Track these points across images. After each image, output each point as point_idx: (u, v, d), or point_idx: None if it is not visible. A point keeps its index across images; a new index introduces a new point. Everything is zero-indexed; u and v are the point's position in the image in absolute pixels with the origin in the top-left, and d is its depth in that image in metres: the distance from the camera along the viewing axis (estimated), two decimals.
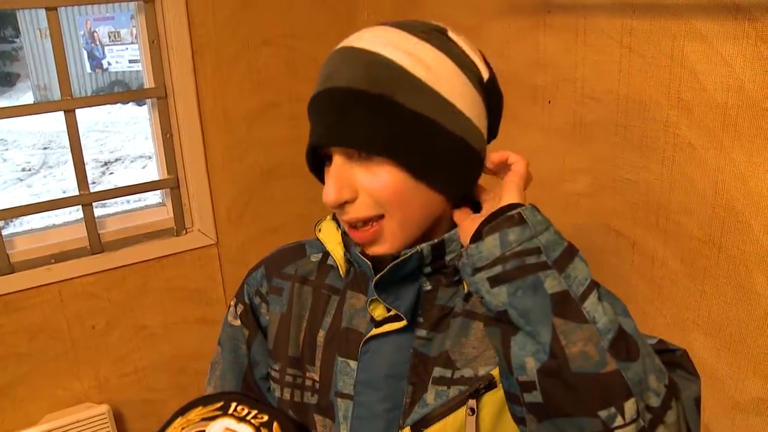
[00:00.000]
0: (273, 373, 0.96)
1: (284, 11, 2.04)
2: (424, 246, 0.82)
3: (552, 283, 0.71)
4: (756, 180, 1.14)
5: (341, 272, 0.91)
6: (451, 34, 0.83)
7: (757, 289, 1.18)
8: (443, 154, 0.79)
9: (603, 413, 0.67)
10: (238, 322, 1.00)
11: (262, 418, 0.61)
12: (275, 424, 0.60)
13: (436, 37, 0.81)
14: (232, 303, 1.02)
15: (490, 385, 0.81)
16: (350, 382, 0.88)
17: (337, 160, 0.79)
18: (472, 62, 0.82)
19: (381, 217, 0.81)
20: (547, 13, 1.48)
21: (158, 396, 2.11)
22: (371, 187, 0.79)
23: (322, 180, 0.85)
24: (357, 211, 0.80)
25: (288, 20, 2.05)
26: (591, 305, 0.71)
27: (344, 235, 0.91)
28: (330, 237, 0.92)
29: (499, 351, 0.75)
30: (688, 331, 1.32)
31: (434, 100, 0.78)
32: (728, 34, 1.12)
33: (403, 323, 0.84)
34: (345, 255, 0.91)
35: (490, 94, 0.85)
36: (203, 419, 0.61)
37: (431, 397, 0.83)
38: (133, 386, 2.06)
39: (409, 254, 0.82)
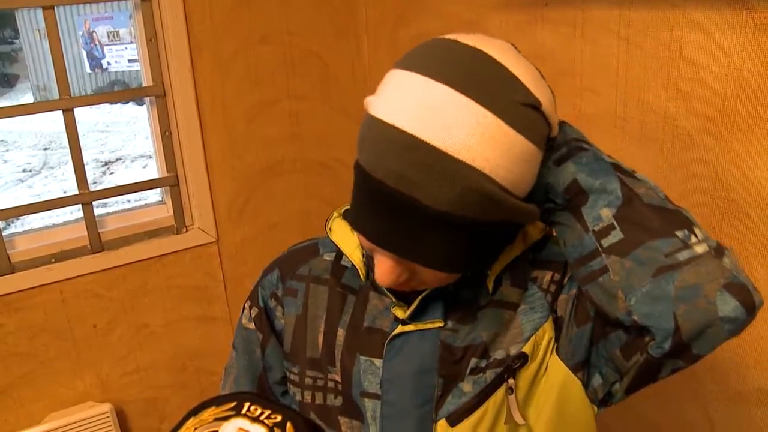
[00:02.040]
0: (292, 377, 0.95)
1: (282, 8, 2.03)
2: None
3: (606, 156, 0.78)
4: (755, 170, 1.14)
5: (361, 276, 0.90)
6: (544, 109, 0.73)
7: (758, 279, 1.17)
8: (495, 242, 0.81)
9: (679, 233, 0.71)
10: (252, 326, 0.99)
11: (275, 418, 0.61)
12: (288, 424, 0.60)
13: (528, 118, 0.71)
14: (246, 306, 1.01)
15: (524, 361, 0.84)
16: (376, 381, 0.88)
17: (387, 261, 0.77)
18: (540, 114, 0.73)
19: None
20: (545, 6, 1.48)
21: (160, 394, 2.11)
22: (424, 276, 0.78)
23: None
24: (405, 286, 0.81)
25: (286, 17, 2.05)
26: (639, 174, 0.79)
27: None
28: (345, 240, 0.91)
29: (574, 228, 0.76)
30: None
31: (511, 208, 0.72)
32: (726, 24, 1.12)
33: (439, 323, 0.86)
34: (363, 259, 0.90)
35: (547, 116, 0.75)
36: (216, 419, 0.61)
37: (468, 387, 0.84)
38: (135, 385, 2.06)
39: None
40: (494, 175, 0.68)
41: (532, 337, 0.84)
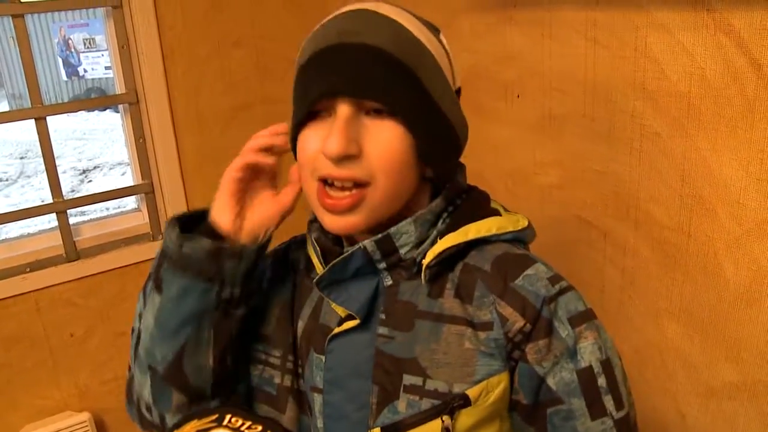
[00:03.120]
0: (272, 360, 0.93)
1: (254, 13, 2.03)
2: (367, 243, 0.81)
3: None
4: (720, 167, 1.15)
5: (318, 270, 0.89)
6: (442, 37, 0.87)
7: (726, 274, 1.19)
8: (443, 135, 0.83)
9: None
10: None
11: (256, 428, 0.63)
12: None
13: (435, 32, 0.85)
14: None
15: (465, 403, 0.79)
16: (321, 378, 0.87)
17: (346, 111, 0.77)
18: (453, 69, 0.87)
19: (366, 185, 0.78)
20: (513, 7, 1.49)
21: None
22: (376, 149, 0.77)
23: (293, 151, 0.86)
24: (350, 169, 0.77)
25: (258, 22, 2.05)
26: None
27: (309, 223, 0.91)
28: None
29: None
30: (662, 319, 1.34)
31: (443, 83, 0.82)
32: (688, 24, 1.14)
33: (355, 322, 0.83)
34: (311, 244, 0.90)
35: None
36: (198, 431, 0.62)
37: (402, 406, 0.81)
38: (114, 393, 2.05)
39: (351, 251, 0.82)
40: (420, 37, 0.80)
41: (484, 382, 0.79)
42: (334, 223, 0.81)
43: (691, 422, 1.33)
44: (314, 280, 0.84)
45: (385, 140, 0.77)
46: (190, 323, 0.83)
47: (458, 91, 0.89)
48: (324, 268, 0.84)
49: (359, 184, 0.78)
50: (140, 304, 0.89)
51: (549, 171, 1.52)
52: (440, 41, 0.85)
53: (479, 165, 0.94)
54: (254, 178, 0.90)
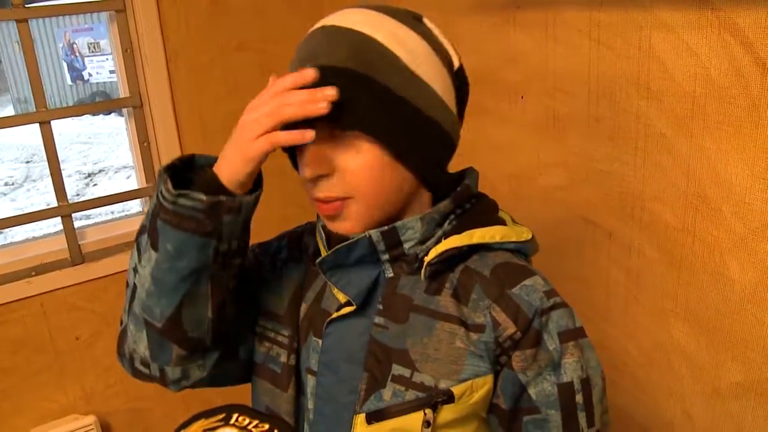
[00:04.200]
0: (281, 339, 0.95)
1: (257, 16, 2.04)
2: (373, 232, 0.83)
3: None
4: (725, 167, 1.15)
5: (322, 253, 0.91)
6: (426, 21, 0.86)
7: (731, 274, 1.19)
8: (419, 135, 0.82)
9: None
10: (251, 254, 1.01)
11: (263, 426, 0.63)
12: None
13: (413, 22, 0.84)
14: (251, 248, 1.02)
15: (449, 399, 0.81)
16: (316, 360, 0.90)
17: (313, 143, 0.79)
18: (445, 49, 0.86)
19: (347, 198, 0.82)
20: (516, 8, 1.49)
21: (145, 405, 2.10)
22: (348, 164, 0.80)
23: (296, 165, 0.87)
24: (329, 189, 0.81)
25: (261, 25, 2.05)
26: None
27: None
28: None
29: None
30: (667, 320, 1.33)
31: (414, 82, 0.80)
32: (692, 23, 1.14)
33: (352, 308, 0.86)
34: (318, 233, 0.93)
35: (460, 81, 0.88)
36: (205, 430, 0.63)
37: (388, 395, 0.83)
38: (120, 396, 2.05)
39: (356, 239, 0.84)
40: (384, 41, 0.79)
41: (470, 382, 0.82)
42: (331, 226, 0.86)
43: (697, 422, 1.32)
44: (317, 261, 0.86)
45: (354, 154, 0.80)
46: (189, 279, 0.81)
47: (458, 71, 0.87)
48: (328, 252, 0.87)
49: (339, 198, 0.82)
50: (134, 257, 0.86)
51: (553, 172, 1.51)
52: (421, 30, 0.84)
53: (483, 166, 0.94)
54: None
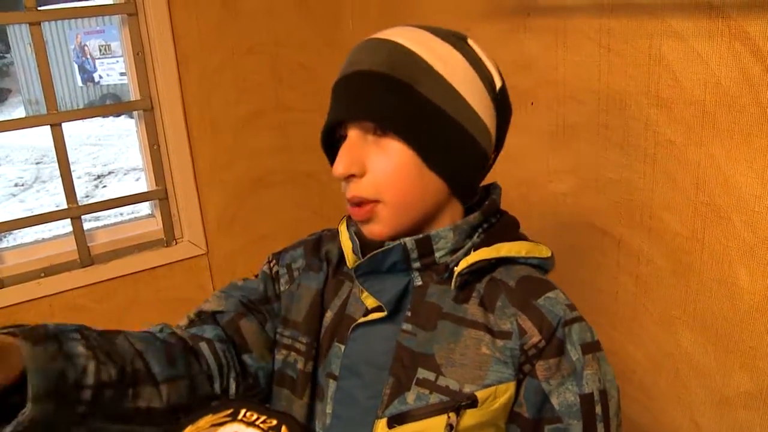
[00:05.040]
0: (299, 345, 0.96)
1: (268, 19, 2.04)
2: (408, 240, 0.86)
3: None
4: (735, 175, 1.15)
5: (348, 263, 0.94)
6: (470, 42, 0.88)
7: (741, 283, 1.19)
8: (452, 143, 0.84)
9: None
10: (268, 271, 1.03)
11: (271, 422, 0.63)
12: (284, 428, 0.62)
13: (456, 40, 0.86)
14: (270, 261, 1.05)
15: (473, 404, 0.82)
16: (338, 365, 0.91)
17: (352, 135, 0.84)
18: (487, 69, 0.88)
19: (377, 201, 0.84)
20: (527, 15, 1.49)
21: None
22: (379, 166, 0.83)
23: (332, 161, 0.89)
24: (359, 189, 0.84)
25: (272, 28, 2.06)
26: None
27: (348, 218, 0.96)
28: (344, 230, 0.96)
29: None
30: (676, 328, 1.33)
31: (448, 92, 0.83)
32: (703, 32, 1.14)
33: (383, 314, 0.87)
34: (353, 248, 0.94)
35: (501, 103, 0.90)
36: (213, 425, 0.63)
37: (411, 397, 0.84)
38: None
39: (391, 246, 0.86)
40: (421, 53, 0.83)
41: (493, 387, 0.82)
42: (364, 229, 0.89)
43: (705, 431, 1.32)
44: (353, 266, 0.89)
45: (386, 156, 0.83)
46: None
47: (499, 92, 0.90)
48: (360, 259, 0.89)
49: (369, 200, 0.85)
50: None
51: (563, 178, 1.51)
52: (463, 49, 0.86)
53: (492, 173, 0.94)
54: None
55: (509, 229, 0.93)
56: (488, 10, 1.59)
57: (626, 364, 1.44)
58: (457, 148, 0.85)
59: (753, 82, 1.08)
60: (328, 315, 0.96)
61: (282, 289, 1.01)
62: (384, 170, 0.83)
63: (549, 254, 0.92)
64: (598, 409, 0.83)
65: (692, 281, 1.27)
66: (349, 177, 0.84)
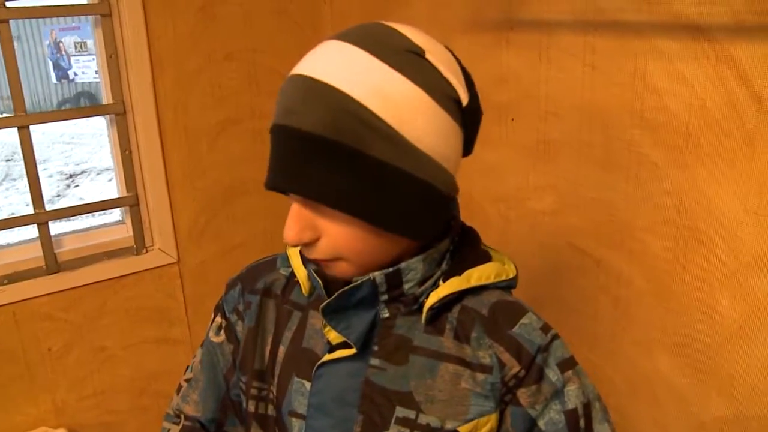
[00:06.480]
0: (241, 385, 0.96)
1: (246, 25, 2.00)
2: (377, 274, 0.80)
3: None
4: (718, 200, 1.13)
5: (304, 291, 0.90)
6: (429, 56, 0.76)
7: (721, 308, 1.17)
8: (406, 200, 0.76)
9: None
10: (222, 338, 0.99)
11: None
12: None
13: (411, 62, 0.74)
14: (216, 318, 1.01)
15: None
16: (304, 403, 0.87)
17: (296, 203, 0.78)
18: (452, 88, 0.77)
19: (339, 259, 0.80)
20: (510, 30, 1.47)
21: (118, 418, 2.05)
22: (331, 234, 0.77)
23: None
24: (317, 252, 0.79)
25: (250, 34, 2.02)
26: None
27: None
28: (295, 254, 0.91)
29: None
30: (654, 351, 1.31)
31: (402, 147, 0.73)
32: (689, 53, 1.12)
33: (352, 351, 0.83)
34: (308, 274, 0.89)
35: (470, 116, 0.81)
36: None
37: None
38: (92, 409, 2.00)
39: (360, 282, 0.81)
40: (367, 103, 0.71)
41: (474, 422, 0.81)
42: (327, 270, 0.83)
43: None
44: (321, 307, 0.82)
45: (336, 226, 0.77)
46: None
47: (466, 108, 0.79)
48: (325, 296, 0.84)
49: (330, 260, 0.80)
50: None
51: (542, 196, 1.49)
52: (419, 74, 0.74)
53: (471, 188, 0.91)
54: None
55: (474, 249, 0.88)
56: (470, 22, 1.57)
57: (603, 386, 1.42)
58: (415, 204, 0.77)
59: (738, 106, 1.07)
60: (281, 350, 0.91)
61: (239, 336, 0.98)
62: (338, 236, 0.77)
63: (515, 272, 0.89)
64: (582, 422, 0.83)
65: (672, 304, 1.26)
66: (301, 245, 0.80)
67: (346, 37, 0.76)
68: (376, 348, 0.84)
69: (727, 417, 1.20)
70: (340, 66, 0.73)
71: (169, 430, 1.01)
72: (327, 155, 0.72)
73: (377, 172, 0.73)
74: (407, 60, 0.74)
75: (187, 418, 1.01)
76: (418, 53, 0.75)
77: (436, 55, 0.77)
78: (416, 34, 0.77)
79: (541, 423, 0.82)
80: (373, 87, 0.72)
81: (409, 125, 0.73)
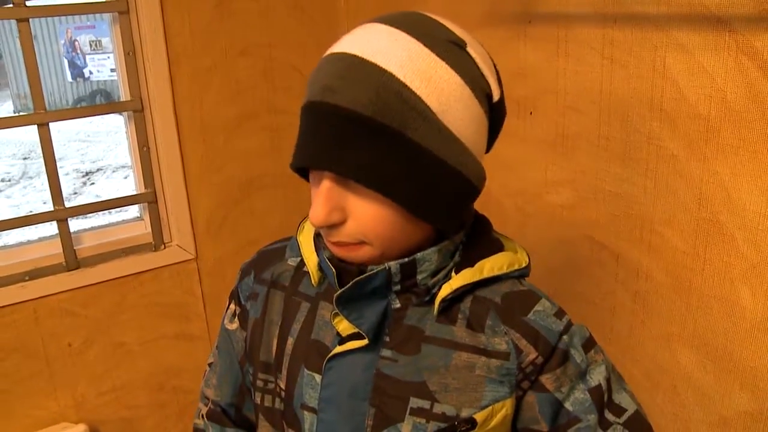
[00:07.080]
0: (249, 376, 0.97)
1: (262, 21, 2.01)
2: (393, 264, 0.80)
3: None
4: (739, 192, 1.12)
5: (313, 281, 0.88)
6: (470, 49, 0.77)
7: (742, 302, 1.16)
8: (441, 188, 0.76)
9: None
10: (235, 325, 0.99)
11: None
12: None
13: (454, 52, 0.75)
14: (231, 305, 1.01)
15: (472, 427, 0.81)
16: (315, 396, 0.86)
17: (327, 183, 0.75)
18: (486, 82, 0.78)
19: (362, 243, 0.78)
20: (528, 23, 1.46)
21: (136, 414, 2.07)
22: (360, 216, 0.76)
23: (306, 177, 0.82)
24: (341, 235, 0.78)
25: (266, 30, 2.02)
26: None
27: (316, 237, 0.88)
28: (307, 243, 0.90)
29: None
30: (674, 345, 1.30)
31: (443, 135, 0.74)
32: (709, 45, 1.11)
33: (364, 342, 0.82)
34: (319, 264, 0.88)
35: (496, 113, 0.83)
36: None
37: (407, 429, 0.81)
38: (111, 404, 2.01)
39: (375, 271, 0.80)
40: (413, 86, 0.71)
41: (490, 407, 0.82)
42: (346, 254, 0.81)
43: None
44: (335, 295, 0.81)
45: (366, 207, 0.76)
46: None
47: (496, 104, 0.81)
48: (337, 286, 0.83)
49: (353, 243, 0.79)
50: None
51: (560, 190, 1.49)
52: (462, 64, 0.76)
53: (489, 182, 0.90)
54: None
55: (486, 239, 0.88)
56: (488, 16, 1.56)
57: None
58: (447, 193, 0.77)
59: (760, 97, 1.06)
60: (290, 342, 0.90)
61: (248, 327, 0.97)
62: (367, 218, 0.76)
63: (527, 260, 0.88)
64: (606, 396, 0.85)
65: (692, 298, 1.25)
66: (327, 227, 0.78)
67: (390, 21, 0.76)
68: (387, 339, 0.83)
69: (750, 412, 1.19)
70: (386, 47, 0.73)
71: (200, 410, 1.06)
72: (368, 134, 0.71)
73: (416, 156, 0.73)
74: (451, 50, 0.75)
75: (210, 401, 1.04)
76: (460, 45, 0.77)
77: (475, 49, 0.78)
78: (455, 27, 0.79)
79: (567, 404, 0.84)
80: (420, 71, 0.72)
81: (451, 114, 0.74)
